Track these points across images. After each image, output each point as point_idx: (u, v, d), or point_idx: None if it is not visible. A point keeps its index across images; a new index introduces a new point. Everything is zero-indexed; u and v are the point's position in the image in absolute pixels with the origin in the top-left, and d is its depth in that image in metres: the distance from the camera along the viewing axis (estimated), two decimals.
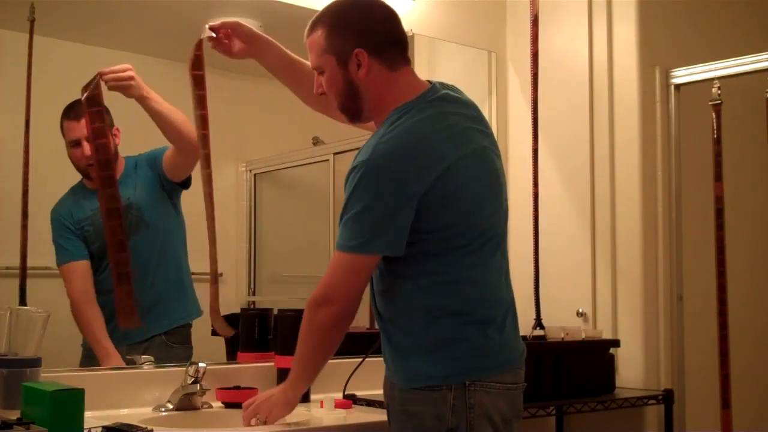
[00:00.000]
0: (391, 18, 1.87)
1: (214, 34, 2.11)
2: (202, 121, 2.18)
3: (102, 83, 2.33)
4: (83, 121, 2.38)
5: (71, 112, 2.43)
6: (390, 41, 1.86)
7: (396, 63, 1.85)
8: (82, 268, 2.46)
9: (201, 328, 2.65)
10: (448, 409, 1.76)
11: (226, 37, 2.13)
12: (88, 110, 2.31)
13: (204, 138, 2.18)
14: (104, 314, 2.45)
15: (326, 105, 2.03)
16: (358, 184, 1.74)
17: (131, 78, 2.39)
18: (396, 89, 1.84)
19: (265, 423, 1.96)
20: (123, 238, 2.33)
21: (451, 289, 1.78)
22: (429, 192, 1.73)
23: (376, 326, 1.95)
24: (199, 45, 2.15)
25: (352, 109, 1.88)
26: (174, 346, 2.54)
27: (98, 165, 2.32)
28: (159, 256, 2.56)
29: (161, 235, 2.57)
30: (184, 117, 2.44)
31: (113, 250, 2.31)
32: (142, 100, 2.41)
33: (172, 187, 2.57)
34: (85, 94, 2.31)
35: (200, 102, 2.18)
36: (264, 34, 2.13)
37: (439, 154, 1.75)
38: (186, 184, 2.58)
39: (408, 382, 1.80)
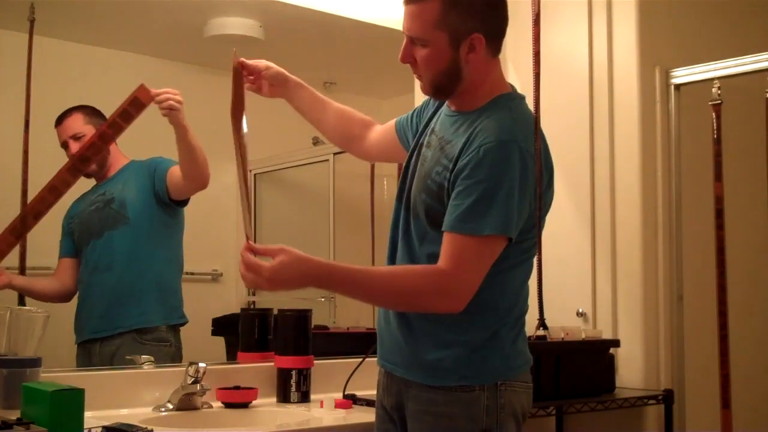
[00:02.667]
0: (507, 4, 1.79)
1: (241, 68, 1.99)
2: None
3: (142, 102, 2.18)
4: (65, 124, 2.52)
5: (57, 120, 2.52)
6: (504, 29, 1.79)
7: (499, 50, 1.79)
8: (63, 264, 2.56)
9: (201, 328, 2.65)
10: (482, 410, 1.72)
11: (255, 79, 2.04)
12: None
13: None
14: (80, 302, 2.52)
15: (348, 140, 2.06)
16: (503, 162, 1.65)
17: (181, 102, 2.33)
18: (491, 77, 1.79)
19: (254, 287, 1.77)
20: None
21: (509, 287, 1.77)
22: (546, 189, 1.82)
23: (388, 318, 1.83)
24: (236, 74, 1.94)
25: (445, 89, 1.78)
26: (146, 344, 2.50)
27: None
28: (133, 253, 2.54)
29: (142, 235, 2.56)
30: (204, 157, 2.45)
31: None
32: (180, 128, 2.37)
33: (166, 202, 2.56)
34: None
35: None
36: (293, 77, 2.06)
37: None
38: (183, 203, 2.59)
39: (435, 380, 1.74)
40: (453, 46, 1.71)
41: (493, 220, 1.64)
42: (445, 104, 1.86)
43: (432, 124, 1.87)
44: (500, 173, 1.65)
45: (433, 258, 1.71)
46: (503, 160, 1.65)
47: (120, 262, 2.53)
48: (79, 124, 2.54)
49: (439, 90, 1.79)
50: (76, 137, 2.52)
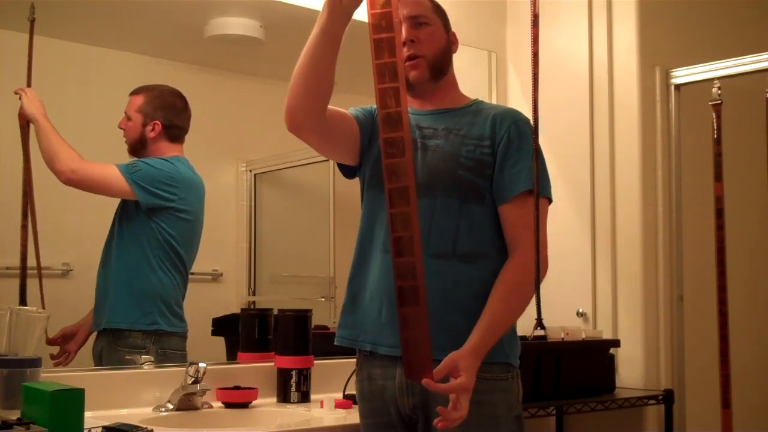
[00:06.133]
0: None
1: None
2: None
3: None
4: (130, 99, 2.54)
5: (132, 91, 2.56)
6: None
7: None
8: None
9: (201, 329, 2.65)
10: (516, 397, 1.85)
11: None
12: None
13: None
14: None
15: (322, 102, 1.85)
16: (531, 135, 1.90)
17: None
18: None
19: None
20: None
21: None
22: None
23: (440, 299, 1.77)
24: None
25: (439, 70, 1.94)
26: (119, 350, 2.42)
27: None
28: (117, 253, 2.49)
29: (125, 236, 2.49)
30: (49, 154, 2.37)
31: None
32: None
33: (138, 206, 2.49)
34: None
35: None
36: None
37: None
38: (154, 210, 2.49)
39: (490, 357, 1.73)
40: (445, 31, 1.97)
41: (549, 187, 1.94)
42: (411, 109, 1.89)
43: (411, 122, 1.86)
44: (529, 144, 1.88)
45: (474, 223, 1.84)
46: (530, 133, 1.89)
47: (107, 260, 2.50)
48: (133, 107, 2.53)
49: (436, 70, 1.93)
50: (127, 117, 2.53)
